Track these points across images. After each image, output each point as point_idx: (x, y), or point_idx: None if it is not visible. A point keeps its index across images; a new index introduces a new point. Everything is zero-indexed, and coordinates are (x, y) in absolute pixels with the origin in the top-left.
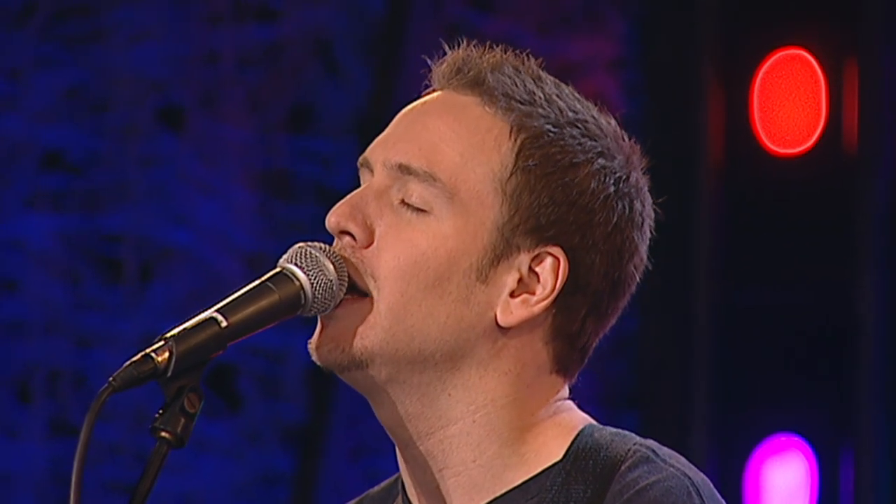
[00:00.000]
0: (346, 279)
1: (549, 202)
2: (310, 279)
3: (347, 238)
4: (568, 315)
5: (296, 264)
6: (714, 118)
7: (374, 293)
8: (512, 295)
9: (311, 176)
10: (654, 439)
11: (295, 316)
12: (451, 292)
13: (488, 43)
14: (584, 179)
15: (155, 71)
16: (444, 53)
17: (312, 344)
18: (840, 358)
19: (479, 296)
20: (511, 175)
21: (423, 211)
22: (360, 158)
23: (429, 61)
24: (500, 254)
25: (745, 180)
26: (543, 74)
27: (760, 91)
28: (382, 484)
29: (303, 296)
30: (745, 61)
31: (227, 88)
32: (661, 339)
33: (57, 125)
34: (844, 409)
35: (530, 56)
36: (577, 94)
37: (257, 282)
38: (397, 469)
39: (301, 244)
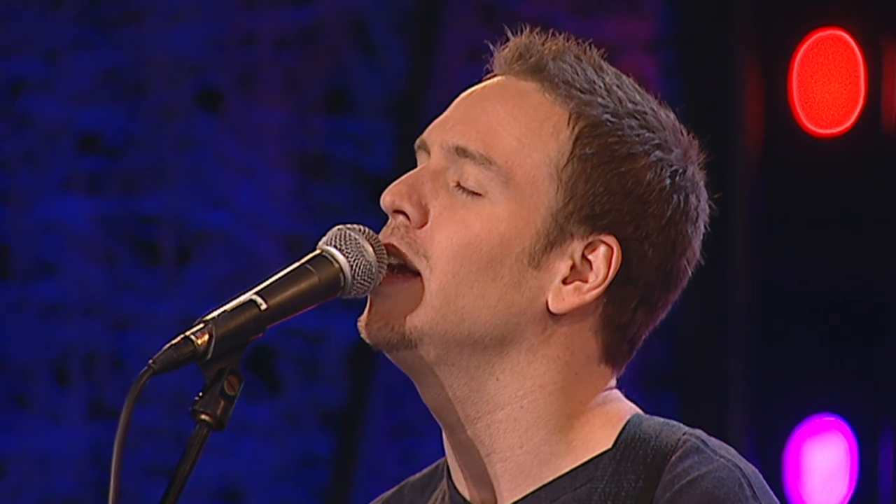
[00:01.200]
0: (385, 261)
1: (604, 191)
2: (349, 261)
3: (401, 217)
4: (619, 305)
5: (335, 246)
6: (752, 99)
7: (426, 273)
8: (564, 282)
9: (347, 158)
10: (693, 420)
11: (334, 298)
12: (503, 276)
13: (551, 31)
14: (641, 171)
15: (192, 53)
16: (507, 39)
17: (362, 322)
18: (879, 338)
19: (530, 281)
20: (568, 162)
21: (477, 194)
22: (418, 141)
23: (491, 46)
24: (553, 240)
25: (783, 161)
26: (605, 65)
27: (799, 72)
28: (423, 472)
29: (342, 278)
30: (784, 42)
31: (264, 70)
32: (699, 320)
33: (94, 108)
34: (884, 389)
35: (590, 45)
36: (637, 86)
37: (296, 264)
38: (436, 451)
39: (340, 226)
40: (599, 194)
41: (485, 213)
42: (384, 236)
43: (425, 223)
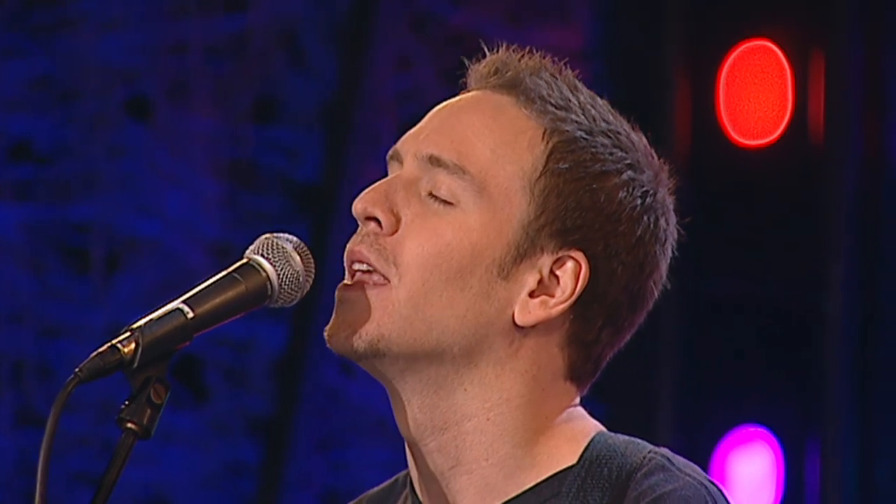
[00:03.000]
0: (314, 271)
1: (575, 206)
2: (276, 270)
3: (373, 224)
4: (585, 323)
5: (262, 255)
6: (680, 109)
7: (395, 280)
8: (531, 295)
9: (276, 167)
10: (620, 429)
11: (261, 307)
12: (472, 286)
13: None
14: (613, 189)
15: (122, 61)
16: (484, 56)
17: (327, 331)
18: (807, 349)
19: (499, 292)
20: (541, 176)
21: (450, 203)
22: (391, 151)
23: (466, 63)
24: (523, 252)
25: (711, 171)
26: (579, 84)
27: (727, 82)
28: (381, 485)
29: (269, 287)
30: (712, 52)
31: (195, 79)
32: None
33: (24, 115)
34: (811, 400)
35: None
36: (610, 108)
37: (224, 273)
38: (364, 462)
39: (268, 235)
40: (571, 209)
41: (456, 222)
42: (354, 243)
43: (396, 230)
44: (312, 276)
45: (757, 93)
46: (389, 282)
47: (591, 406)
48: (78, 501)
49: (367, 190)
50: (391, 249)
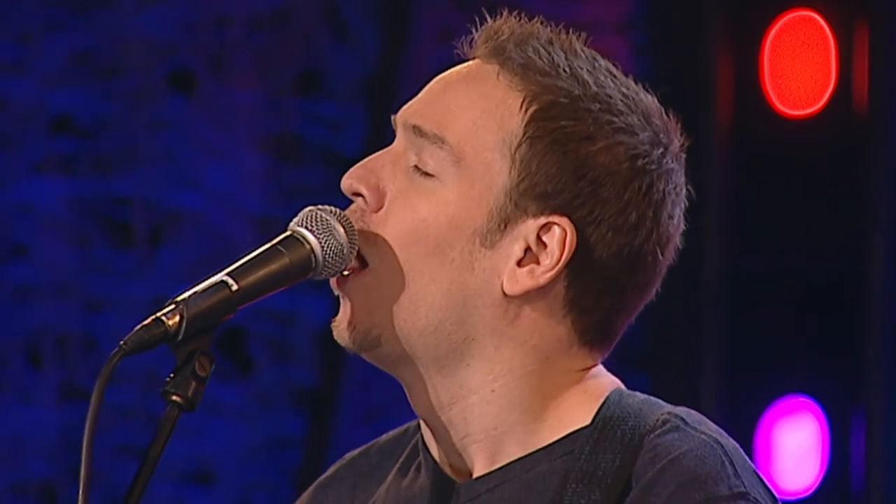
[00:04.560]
0: (357, 242)
1: (556, 171)
2: (320, 242)
3: (360, 200)
4: (581, 289)
5: (306, 227)
6: (724, 80)
7: (375, 262)
8: (519, 264)
9: (319, 140)
10: (665, 400)
11: (305, 279)
12: (453, 259)
13: (523, 14)
14: (596, 153)
15: (164, 35)
16: (484, 22)
17: (333, 326)
18: (851, 320)
19: (483, 262)
20: (521, 143)
21: (431, 176)
22: (392, 120)
23: (472, 29)
24: (505, 217)
25: (755, 142)
26: (580, 48)
27: (770, 53)
28: (391, 433)
29: (313, 259)
30: (755, 23)
31: (237, 52)
32: (671, 302)
33: (66, 90)
34: (855, 371)
35: (567, 29)
36: (612, 70)
37: (268, 245)
38: None
39: (311, 207)
40: (552, 175)
41: (434, 196)
42: None
43: (381, 207)
44: (356, 248)
45: (801, 63)
46: (369, 266)
47: (635, 378)
48: (123, 474)
49: (356, 166)
50: (373, 228)
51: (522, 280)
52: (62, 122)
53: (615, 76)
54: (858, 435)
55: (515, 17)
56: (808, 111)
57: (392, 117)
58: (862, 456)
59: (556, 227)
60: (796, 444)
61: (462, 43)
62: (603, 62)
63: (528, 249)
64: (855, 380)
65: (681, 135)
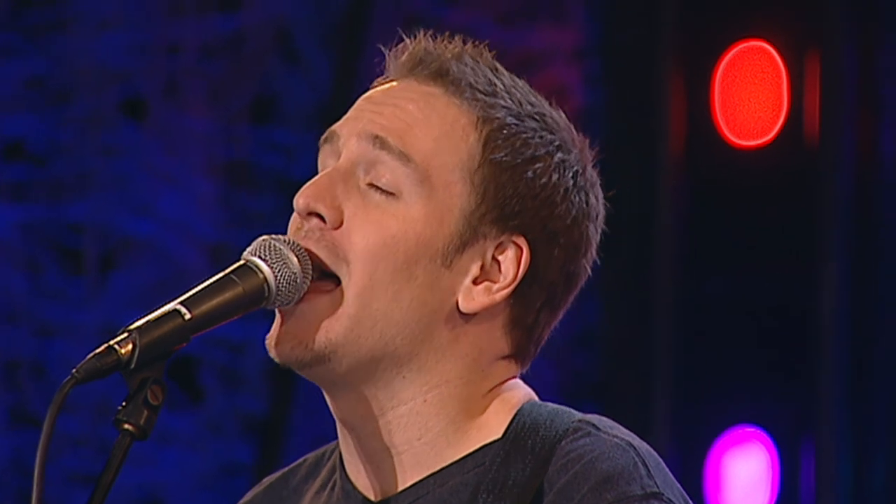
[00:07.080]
0: (311, 272)
1: (513, 193)
2: (274, 272)
3: (316, 220)
4: (525, 305)
5: (260, 257)
6: (675, 109)
7: (345, 279)
8: (475, 282)
9: (272, 167)
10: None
11: (258, 308)
12: (417, 276)
13: (446, 34)
14: (545, 172)
15: (116, 61)
16: (401, 43)
17: (271, 340)
18: (802, 350)
19: (443, 281)
20: (479, 167)
21: (391, 194)
22: (326, 133)
23: (385, 51)
24: (465, 241)
25: (706, 171)
26: (499, 66)
27: (722, 82)
28: (311, 455)
29: (266, 288)
30: (707, 52)
31: (189, 79)
32: (623, 330)
33: (18, 115)
34: (805, 400)
35: (487, 47)
36: (529, 87)
37: (221, 274)
38: None
39: (265, 237)
40: (509, 197)
41: (399, 213)
42: (297, 240)
43: (340, 224)
44: (310, 277)
45: (752, 93)
46: (339, 285)
47: (586, 407)
48: (74, 502)
49: (307, 185)
50: (339, 244)
51: (479, 298)
52: (14, 148)
53: (533, 93)
54: (808, 465)
55: (432, 37)
56: (760, 141)
57: (330, 129)
58: (811, 486)
59: (512, 246)
60: (746, 474)
61: (387, 62)
62: (519, 80)
63: (482, 267)
64: (805, 410)
65: (591, 148)
